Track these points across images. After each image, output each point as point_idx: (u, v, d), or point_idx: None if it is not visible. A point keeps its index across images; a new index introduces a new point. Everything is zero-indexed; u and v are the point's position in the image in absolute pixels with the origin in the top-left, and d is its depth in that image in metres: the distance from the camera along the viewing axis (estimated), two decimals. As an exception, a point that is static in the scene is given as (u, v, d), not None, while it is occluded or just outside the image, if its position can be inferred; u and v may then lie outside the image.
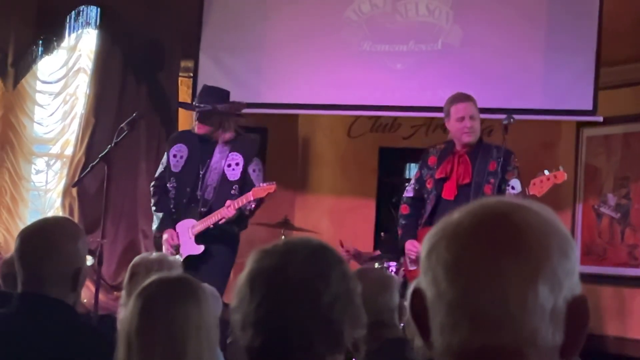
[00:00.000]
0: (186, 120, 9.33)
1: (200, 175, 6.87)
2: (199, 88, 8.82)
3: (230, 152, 6.88)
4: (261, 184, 6.66)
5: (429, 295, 1.38)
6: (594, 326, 7.88)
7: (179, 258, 6.44)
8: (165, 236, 6.84)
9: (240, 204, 6.61)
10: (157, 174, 7.12)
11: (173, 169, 6.95)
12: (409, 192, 6.73)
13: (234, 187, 6.82)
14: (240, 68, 8.65)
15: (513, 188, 6.34)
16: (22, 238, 3.22)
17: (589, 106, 7.33)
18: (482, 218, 1.37)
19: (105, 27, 9.03)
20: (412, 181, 6.78)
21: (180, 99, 9.17)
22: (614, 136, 8.38)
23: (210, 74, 8.62)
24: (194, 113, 7.06)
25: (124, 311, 2.79)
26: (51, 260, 3.14)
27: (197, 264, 6.63)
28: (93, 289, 7.21)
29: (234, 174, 6.83)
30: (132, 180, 9.00)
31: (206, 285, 2.93)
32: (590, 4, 7.55)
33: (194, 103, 7.29)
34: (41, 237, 3.20)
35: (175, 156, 6.98)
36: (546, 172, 6.20)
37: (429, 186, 6.57)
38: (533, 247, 1.33)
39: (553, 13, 7.79)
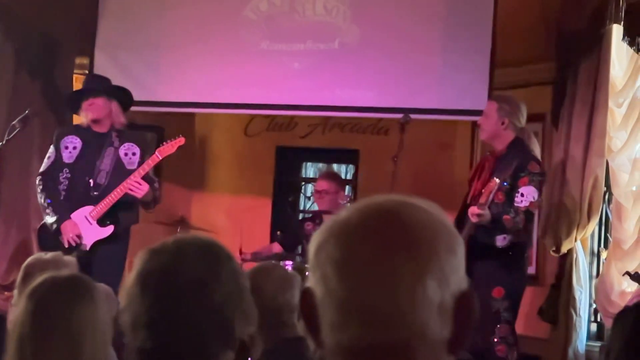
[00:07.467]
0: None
1: (97, 164, 6.74)
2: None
3: (125, 142, 6.77)
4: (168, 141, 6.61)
5: (318, 293, 1.37)
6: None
7: (73, 258, 6.34)
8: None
9: (148, 168, 6.51)
10: (43, 168, 6.94)
11: (66, 160, 6.80)
12: None
13: None
14: (137, 66, 8.55)
15: (522, 195, 5.97)
16: None
17: (483, 106, 7.39)
18: (370, 215, 1.37)
19: (-3, 22, 8.83)
20: None
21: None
22: (508, 136, 8.50)
23: (106, 71, 8.49)
24: (85, 105, 6.86)
25: (15, 312, 2.74)
26: None
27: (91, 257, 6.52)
28: (-17, 289, 7.06)
29: (131, 163, 6.71)
30: (24, 179, 8.79)
31: (101, 285, 2.90)
32: (485, 6, 7.65)
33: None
34: None
35: (67, 148, 6.84)
36: None
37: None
38: (421, 244, 1.34)
39: (449, 14, 7.87)
